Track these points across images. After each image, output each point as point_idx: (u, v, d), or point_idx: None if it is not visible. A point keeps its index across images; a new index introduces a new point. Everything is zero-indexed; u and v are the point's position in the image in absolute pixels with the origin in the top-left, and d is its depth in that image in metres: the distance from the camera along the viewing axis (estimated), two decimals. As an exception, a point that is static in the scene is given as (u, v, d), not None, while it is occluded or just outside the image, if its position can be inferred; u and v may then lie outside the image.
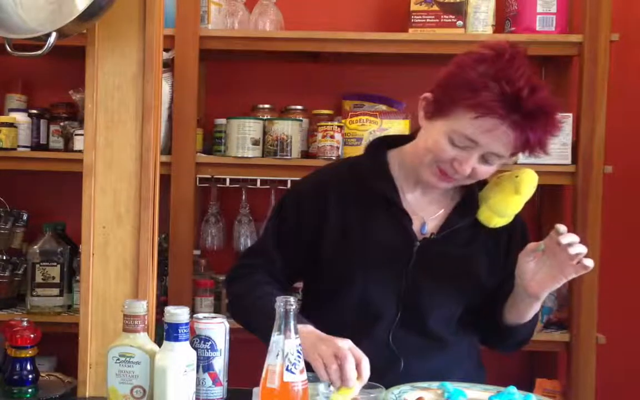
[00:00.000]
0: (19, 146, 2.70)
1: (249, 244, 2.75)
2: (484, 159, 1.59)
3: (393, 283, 1.66)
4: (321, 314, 1.70)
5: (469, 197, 1.71)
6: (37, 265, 2.62)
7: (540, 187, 2.85)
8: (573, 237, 1.49)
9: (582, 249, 1.49)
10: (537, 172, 2.54)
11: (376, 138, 1.82)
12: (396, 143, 1.77)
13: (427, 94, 1.65)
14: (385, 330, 1.65)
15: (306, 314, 1.62)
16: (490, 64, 1.56)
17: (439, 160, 1.61)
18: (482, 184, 1.70)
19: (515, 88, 1.52)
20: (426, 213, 1.72)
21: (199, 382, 1.38)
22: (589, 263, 1.49)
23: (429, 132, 1.63)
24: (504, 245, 1.71)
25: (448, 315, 1.69)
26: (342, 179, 1.75)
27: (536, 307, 1.64)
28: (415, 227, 1.69)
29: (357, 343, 1.65)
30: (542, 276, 1.54)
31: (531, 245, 1.56)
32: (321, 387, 1.36)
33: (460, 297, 1.69)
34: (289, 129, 2.61)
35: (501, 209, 1.65)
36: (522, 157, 2.51)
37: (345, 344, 1.43)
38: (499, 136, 1.55)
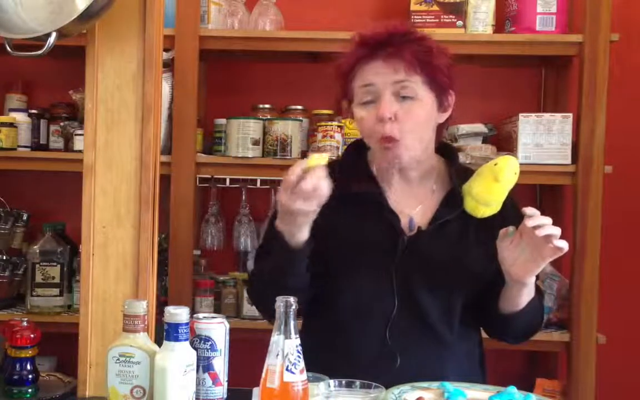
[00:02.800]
0: (19, 146, 2.70)
1: (249, 244, 2.76)
2: (400, 96, 1.67)
3: (387, 280, 1.67)
4: (321, 313, 1.73)
5: (453, 190, 1.72)
6: (37, 265, 2.62)
7: (540, 187, 2.90)
8: (542, 220, 1.51)
9: (554, 231, 1.51)
10: (537, 172, 2.60)
11: (355, 140, 1.87)
12: None
13: (343, 102, 1.80)
14: (382, 327, 1.66)
15: (309, 313, 1.68)
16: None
17: (372, 131, 1.68)
18: (467, 177, 1.71)
19: (359, 33, 1.72)
20: (409, 208, 1.73)
21: (199, 382, 1.38)
22: (562, 244, 1.51)
23: (356, 123, 1.75)
24: (498, 232, 1.71)
25: (446, 309, 1.69)
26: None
27: (526, 294, 1.63)
28: (403, 223, 1.71)
29: (355, 340, 1.67)
30: (522, 260, 1.56)
31: (502, 231, 1.59)
32: (321, 387, 1.36)
33: (455, 288, 1.70)
34: (289, 129, 2.61)
35: (484, 198, 1.65)
36: (521, 157, 2.56)
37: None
38: (381, 70, 1.67)
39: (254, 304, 1.88)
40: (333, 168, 1.78)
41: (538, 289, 1.73)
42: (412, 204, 1.74)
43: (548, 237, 1.51)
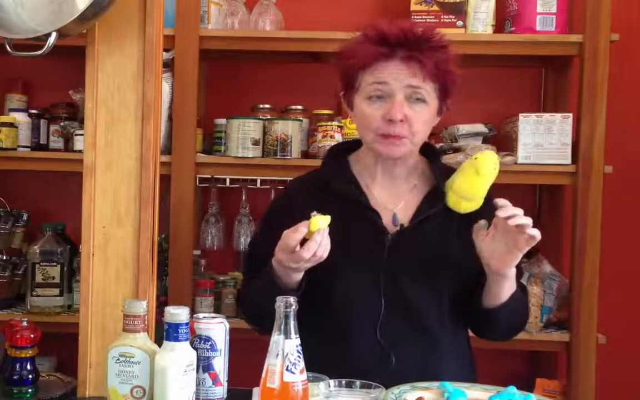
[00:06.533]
0: (19, 146, 2.71)
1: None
2: (410, 100, 1.67)
3: (373, 279, 1.68)
4: (312, 318, 1.72)
5: (436, 186, 1.74)
6: (37, 265, 2.62)
7: (540, 187, 2.90)
8: (513, 210, 1.54)
9: (525, 220, 1.53)
10: (537, 172, 2.60)
11: (333, 145, 1.91)
12: (354, 147, 1.84)
13: (341, 92, 1.79)
14: (372, 326, 1.67)
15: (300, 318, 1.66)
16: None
17: (376, 128, 1.68)
18: (449, 175, 1.73)
19: (379, 27, 1.69)
20: (394, 205, 1.75)
21: (199, 382, 1.38)
22: (535, 233, 1.54)
23: (357, 115, 1.74)
24: None
25: (434, 304, 1.70)
26: (308, 190, 1.80)
27: (507, 287, 1.65)
28: (386, 220, 1.73)
29: (348, 343, 1.68)
30: (499, 252, 1.58)
31: (475, 225, 1.61)
32: (321, 387, 1.36)
33: (440, 282, 1.71)
34: (289, 129, 2.61)
35: (466, 192, 1.68)
36: (521, 157, 2.56)
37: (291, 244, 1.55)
38: (398, 71, 1.66)
39: (247, 322, 1.87)
40: (317, 177, 1.81)
41: (522, 287, 1.76)
42: (396, 201, 1.76)
43: (521, 227, 1.53)
